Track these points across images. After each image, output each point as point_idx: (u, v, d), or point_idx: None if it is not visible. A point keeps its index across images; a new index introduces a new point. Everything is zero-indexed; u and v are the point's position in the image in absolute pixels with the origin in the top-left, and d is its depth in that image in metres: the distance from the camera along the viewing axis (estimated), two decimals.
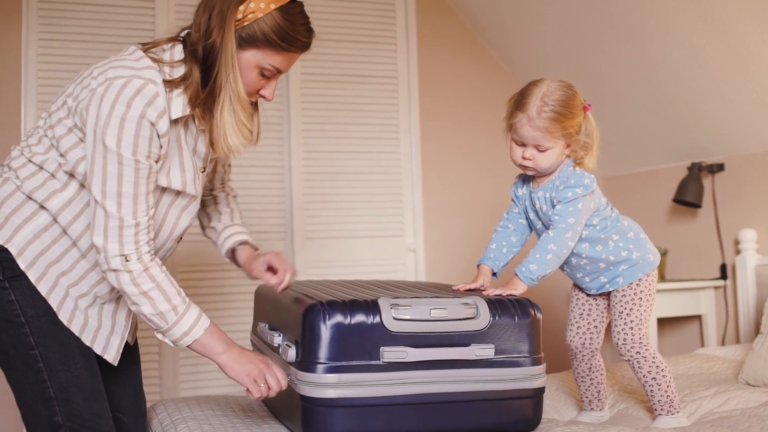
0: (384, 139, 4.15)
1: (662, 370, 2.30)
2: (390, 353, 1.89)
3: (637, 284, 2.31)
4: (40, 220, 1.87)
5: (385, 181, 4.14)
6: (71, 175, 1.87)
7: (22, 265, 1.84)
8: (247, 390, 1.91)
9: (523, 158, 2.21)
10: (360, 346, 1.88)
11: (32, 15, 3.55)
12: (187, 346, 1.89)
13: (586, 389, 2.47)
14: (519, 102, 2.18)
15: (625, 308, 2.31)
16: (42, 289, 1.86)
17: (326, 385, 1.86)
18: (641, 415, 2.46)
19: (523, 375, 2.01)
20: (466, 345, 1.95)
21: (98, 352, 1.96)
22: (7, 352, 1.87)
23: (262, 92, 1.93)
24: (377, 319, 1.89)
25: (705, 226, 3.82)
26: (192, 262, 3.72)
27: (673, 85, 3.63)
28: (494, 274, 2.35)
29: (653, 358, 2.30)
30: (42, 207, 1.87)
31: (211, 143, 1.92)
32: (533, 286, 2.19)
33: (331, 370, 1.86)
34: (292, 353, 1.93)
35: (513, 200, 2.40)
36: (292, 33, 1.85)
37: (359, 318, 1.88)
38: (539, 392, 2.05)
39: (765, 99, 3.33)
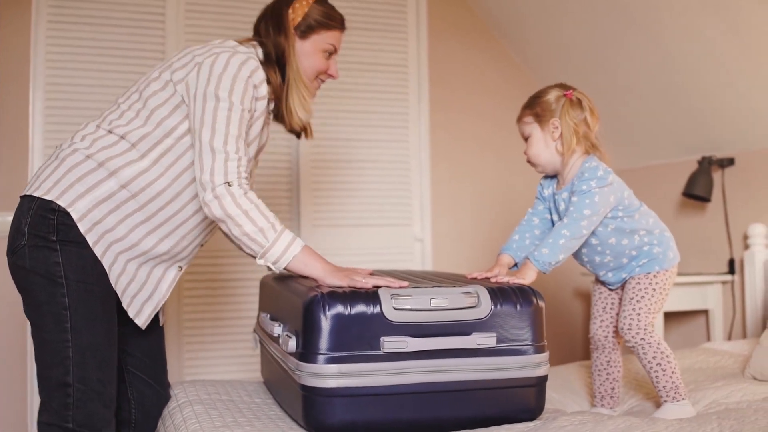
0: (393, 127, 4.13)
1: (667, 357, 2.29)
2: (390, 343, 1.88)
3: (654, 275, 2.33)
4: (102, 189, 2.06)
5: (394, 170, 4.13)
6: (153, 146, 2.09)
7: (82, 229, 2.03)
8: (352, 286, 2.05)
9: (525, 154, 2.37)
10: (360, 337, 1.87)
11: None
12: (286, 267, 2.07)
13: (601, 384, 2.47)
14: None
15: (637, 295, 2.32)
16: (97, 251, 2.06)
17: (327, 375, 1.86)
18: (649, 411, 2.45)
19: (525, 363, 2.00)
20: (468, 334, 1.95)
21: (131, 315, 2.18)
22: (40, 308, 2.04)
23: (329, 71, 2.34)
24: (377, 309, 1.89)
25: (714, 220, 3.79)
26: (202, 249, 3.71)
27: (686, 78, 3.60)
28: (516, 264, 2.39)
29: (657, 344, 2.30)
30: (111, 175, 2.07)
31: (285, 120, 2.29)
32: (546, 272, 2.20)
33: (331, 360, 1.86)
34: (292, 344, 1.93)
35: (538, 197, 2.45)
36: (332, 13, 2.35)
37: (359, 308, 1.88)
38: (542, 381, 2.04)
39: None
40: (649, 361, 2.30)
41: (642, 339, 2.29)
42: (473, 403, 1.97)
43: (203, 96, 2.06)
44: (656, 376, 2.30)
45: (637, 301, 2.32)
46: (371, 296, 1.91)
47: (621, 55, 3.81)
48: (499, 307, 1.98)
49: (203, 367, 3.75)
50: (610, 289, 2.46)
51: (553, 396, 2.64)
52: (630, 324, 2.30)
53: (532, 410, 2.05)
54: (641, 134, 4.08)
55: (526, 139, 2.35)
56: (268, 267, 2.09)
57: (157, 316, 2.35)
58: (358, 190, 4.07)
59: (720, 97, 3.53)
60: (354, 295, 1.90)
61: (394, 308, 1.90)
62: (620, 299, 2.45)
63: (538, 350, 2.02)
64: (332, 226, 4.00)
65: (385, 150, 4.12)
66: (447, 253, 4.20)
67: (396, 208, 4.12)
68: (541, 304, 2.04)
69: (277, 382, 2.22)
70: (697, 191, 3.67)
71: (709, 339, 3.79)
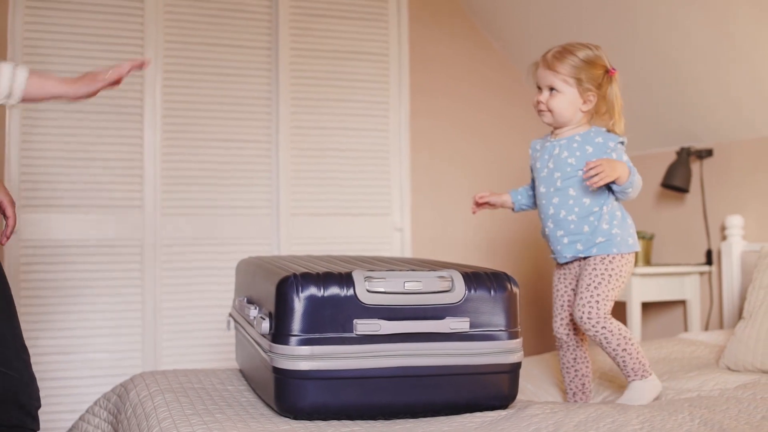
0: (373, 116, 4.12)
1: (629, 339, 2.28)
2: (363, 326, 1.87)
3: (611, 260, 2.31)
4: None
5: (373, 159, 4.12)
6: None
7: None
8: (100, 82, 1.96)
9: (539, 101, 2.37)
10: (333, 319, 1.87)
11: None
12: (24, 95, 1.90)
13: (571, 380, 2.46)
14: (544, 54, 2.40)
15: (593, 281, 2.30)
16: None
17: (299, 357, 1.85)
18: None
19: (498, 349, 1.99)
20: (441, 318, 1.94)
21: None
22: None
23: None
24: (351, 291, 1.88)
25: (692, 211, 3.81)
26: (175, 236, 3.70)
27: (664, 69, 3.61)
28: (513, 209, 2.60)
29: (619, 330, 2.28)
30: None
31: None
32: (624, 179, 2.24)
33: (304, 342, 1.85)
34: (265, 325, 1.92)
35: (531, 157, 2.52)
36: None
37: (333, 290, 1.87)
38: (515, 367, 2.03)
39: (755, 85, 3.32)
40: (614, 349, 2.28)
41: (603, 328, 2.27)
42: (446, 388, 1.96)
43: None
44: (623, 360, 2.28)
45: (594, 287, 2.29)
46: (345, 278, 1.90)
47: (599, 45, 3.80)
48: (473, 291, 1.98)
49: (180, 355, 3.73)
50: (568, 287, 2.44)
51: (528, 387, 2.64)
52: (589, 313, 2.27)
53: (505, 397, 2.04)
54: None
55: (549, 88, 2.36)
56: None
57: None
58: (338, 179, 4.05)
59: (698, 88, 3.54)
60: (327, 277, 1.89)
61: (368, 291, 1.89)
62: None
63: (512, 336, 2.01)
64: (311, 215, 3.99)
65: (365, 138, 4.11)
66: (427, 242, 4.19)
67: (375, 197, 4.11)
68: (515, 290, 2.04)
69: (251, 367, 2.22)
70: (675, 182, 3.69)
71: (686, 329, 3.81)
